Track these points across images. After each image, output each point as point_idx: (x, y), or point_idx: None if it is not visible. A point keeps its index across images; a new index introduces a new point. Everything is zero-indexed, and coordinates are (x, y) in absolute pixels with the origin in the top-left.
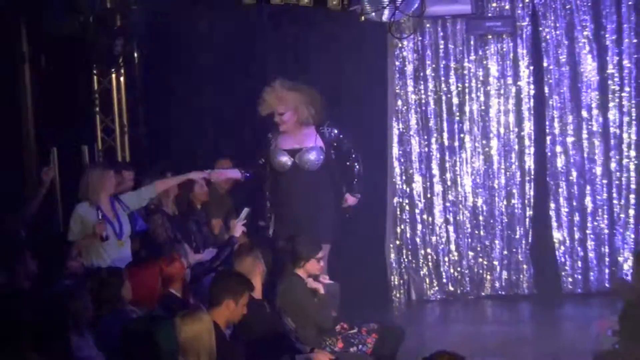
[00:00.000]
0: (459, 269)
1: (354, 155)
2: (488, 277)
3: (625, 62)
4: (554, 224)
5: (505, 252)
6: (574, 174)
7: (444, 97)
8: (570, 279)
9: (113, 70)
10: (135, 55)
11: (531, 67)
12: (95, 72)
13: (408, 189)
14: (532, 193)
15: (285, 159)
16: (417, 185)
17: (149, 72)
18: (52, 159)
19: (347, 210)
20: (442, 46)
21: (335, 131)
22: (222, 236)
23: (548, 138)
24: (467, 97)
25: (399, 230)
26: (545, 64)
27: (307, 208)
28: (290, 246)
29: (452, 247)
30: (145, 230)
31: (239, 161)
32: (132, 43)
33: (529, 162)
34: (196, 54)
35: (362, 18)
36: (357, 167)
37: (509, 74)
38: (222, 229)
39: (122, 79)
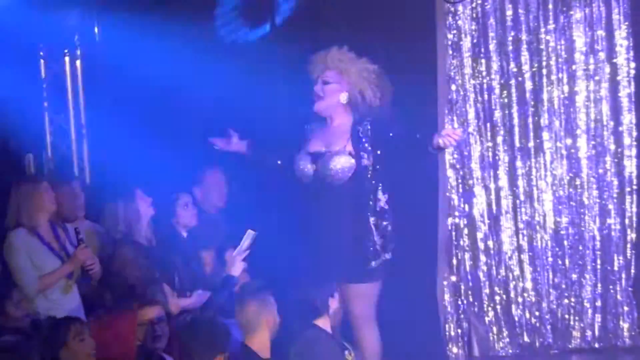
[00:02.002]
0: (537, 313)
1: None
2: (577, 324)
3: None
4: None
5: (599, 290)
6: None
7: (513, 81)
8: None
9: (66, 51)
10: (96, 30)
11: (631, 39)
12: (41, 53)
13: (467, 207)
14: (634, 209)
15: (306, 165)
16: (479, 201)
17: (115, 54)
18: None
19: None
20: (510, 12)
21: (372, 125)
22: (218, 274)
23: None
24: (544, 80)
25: (455, 262)
26: None
27: (333, 233)
28: (300, 294)
29: (528, 284)
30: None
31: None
32: (91, 13)
33: (630, 167)
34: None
35: None
36: (382, 197)
37: (600, 48)
38: (215, 265)
39: (78, 63)
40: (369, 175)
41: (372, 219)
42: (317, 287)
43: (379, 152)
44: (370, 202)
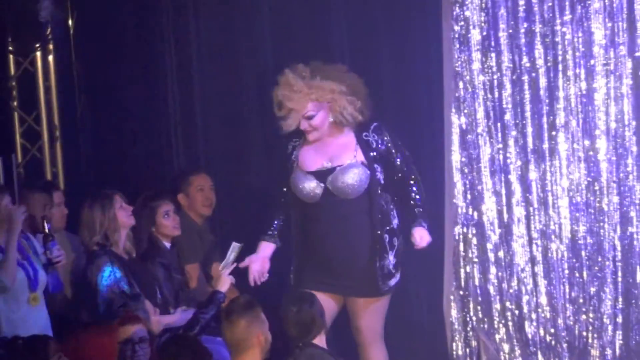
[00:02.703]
0: (552, 330)
1: (412, 170)
2: (595, 342)
3: None
4: None
5: (620, 305)
6: None
7: (526, 77)
8: None
9: (38, 45)
10: (70, 23)
11: None
12: (10, 48)
13: (476, 214)
14: None
15: (313, 186)
16: (489, 207)
17: (91, 49)
18: None
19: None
20: (522, 1)
21: (387, 137)
22: (204, 289)
23: None
24: (560, 76)
25: (462, 274)
26: None
27: (349, 251)
28: (294, 315)
29: (542, 298)
30: (61, 290)
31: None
32: (64, 6)
33: None
34: (162, 21)
35: None
36: (418, 183)
37: (621, 40)
38: (201, 279)
39: (50, 58)
40: (379, 190)
41: (386, 237)
42: (313, 305)
43: (394, 161)
44: (384, 219)
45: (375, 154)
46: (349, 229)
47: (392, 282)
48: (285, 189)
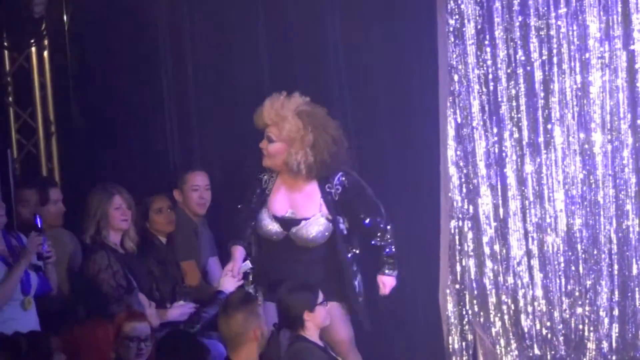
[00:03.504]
0: (548, 324)
1: (376, 219)
2: (592, 335)
3: None
4: None
5: (616, 298)
6: None
7: (521, 71)
8: None
9: (33, 41)
10: (65, 19)
11: None
12: (5, 44)
13: (471, 208)
14: None
15: (276, 231)
16: (485, 201)
17: (86, 45)
18: None
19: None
20: None
21: (349, 187)
22: (204, 289)
23: None
24: (555, 69)
25: (458, 268)
26: None
27: (318, 278)
28: (277, 305)
29: (538, 292)
30: (49, 292)
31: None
32: (59, 2)
33: None
34: (158, 16)
35: None
36: (386, 227)
37: (616, 34)
38: (198, 276)
39: (45, 54)
40: (342, 241)
41: (349, 269)
42: (293, 297)
43: (353, 212)
44: (345, 257)
45: (337, 206)
46: (306, 272)
47: (361, 298)
48: (252, 205)
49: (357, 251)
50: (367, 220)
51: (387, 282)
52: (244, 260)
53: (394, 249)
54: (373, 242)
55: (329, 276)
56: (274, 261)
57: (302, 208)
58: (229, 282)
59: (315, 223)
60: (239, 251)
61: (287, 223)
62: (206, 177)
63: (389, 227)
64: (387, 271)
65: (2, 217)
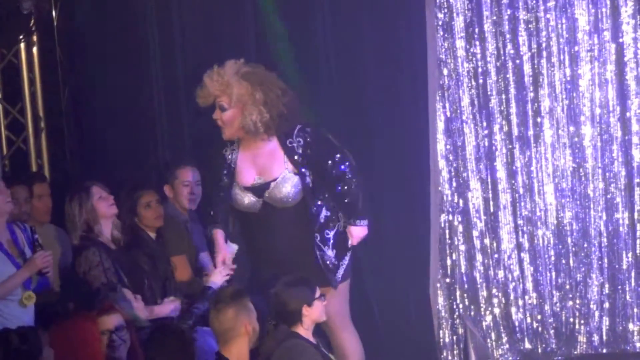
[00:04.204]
0: (539, 317)
1: (342, 167)
2: (582, 328)
3: None
4: None
5: (606, 291)
6: None
7: (510, 64)
8: None
9: (21, 37)
10: (54, 14)
11: (638, 17)
12: None
13: (461, 202)
14: None
15: (252, 201)
16: (475, 195)
17: (75, 41)
18: None
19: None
20: None
21: (310, 138)
22: (195, 284)
23: None
24: (544, 62)
25: (449, 262)
26: None
27: (293, 251)
28: (274, 300)
29: (529, 285)
30: (48, 288)
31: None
32: None
33: (639, 156)
34: (147, 11)
35: None
36: (351, 178)
37: (605, 26)
38: (188, 271)
39: (35, 50)
40: (310, 193)
41: (317, 236)
42: (290, 292)
43: (317, 164)
44: (314, 218)
45: (300, 158)
46: (288, 233)
47: (340, 273)
48: (221, 184)
49: (325, 200)
50: (335, 169)
51: (355, 232)
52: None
53: (359, 197)
54: (339, 189)
55: (306, 247)
56: (257, 233)
57: (269, 170)
58: (217, 276)
59: (284, 180)
60: (221, 236)
61: (259, 190)
62: (197, 172)
63: (354, 174)
64: (354, 221)
65: (8, 203)
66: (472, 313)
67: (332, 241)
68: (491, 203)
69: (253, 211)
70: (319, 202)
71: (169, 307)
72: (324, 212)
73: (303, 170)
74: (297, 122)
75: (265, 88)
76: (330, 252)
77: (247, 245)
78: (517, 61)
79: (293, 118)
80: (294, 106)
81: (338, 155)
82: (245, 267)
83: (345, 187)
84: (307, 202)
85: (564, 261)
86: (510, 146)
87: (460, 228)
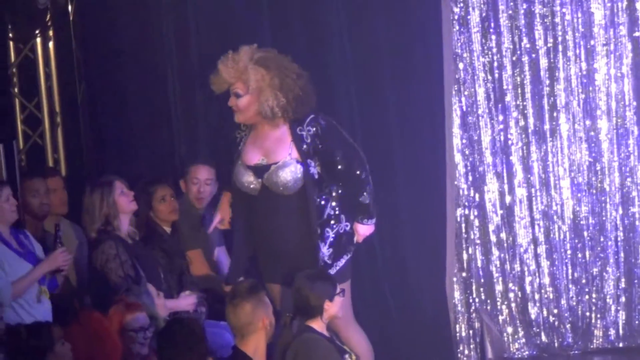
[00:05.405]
0: (555, 311)
1: (352, 165)
2: (599, 322)
3: None
4: None
5: (622, 285)
6: None
7: (526, 59)
8: None
9: (38, 32)
10: (70, 9)
11: None
12: (10, 35)
13: (477, 196)
14: None
15: (250, 180)
16: (491, 189)
17: (91, 35)
18: None
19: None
20: None
21: (321, 130)
22: (211, 278)
23: None
24: (560, 57)
25: (465, 256)
26: None
27: (289, 242)
28: (295, 293)
29: (545, 279)
30: (55, 289)
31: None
32: None
33: None
34: (162, 6)
35: None
36: (362, 172)
37: (621, 20)
38: (204, 265)
39: (51, 45)
40: (313, 185)
41: (318, 229)
42: (313, 286)
43: (325, 157)
44: (317, 211)
45: (308, 148)
46: (285, 223)
47: (331, 272)
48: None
49: (332, 197)
50: (342, 164)
51: (361, 230)
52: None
53: (369, 197)
54: (347, 188)
55: (303, 238)
56: (256, 219)
57: (273, 153)
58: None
59: (284, 165)
60: (227, 198)
61: (259, 170)
62: (209, 170)
63: (365, 172)
64: (362, 220)
65: (13, 212)
66: (489, 307)
67: (330, 240)
68: (507, 197)
69: (252, 194)
70: (324, 197)
71: (185, 301)
72: (328, 209)
73: (309, 160)
74: (313, 105)
75: (281, 72)
76: (325, 250)
77: (247, 231)
78: (533, 55)
79: (309, 101)
80: (309, 89)
81: (347, 151)
82: (244, 252)
83: (356, 185)
84: (309, 194)
85: (580, 255)
86: (526, 140)
87: (477, 222)
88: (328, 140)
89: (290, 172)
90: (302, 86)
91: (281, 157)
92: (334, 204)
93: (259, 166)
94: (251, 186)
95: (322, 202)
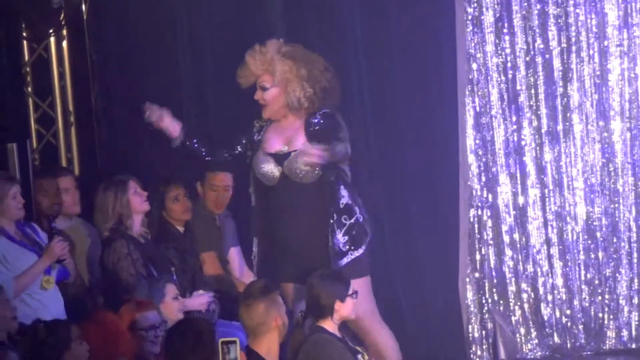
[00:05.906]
0: (568, 312)
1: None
2: (611, 323)
3: None
4: None
5: (635, 286)
6: None
7: (539, 59)
8: None
9: (51, 31)
10: (84, 8)
11: None
12: (24, 34)
13: (490, 196)
14: None
15: (271, 168)
16: (504, 189)
17: (105, 35)
18: None
19: None
20: None
21: (330, 123)
22: (224, 279)
23: None
24: (574, 57)
25: (478, 257)
26: None
27: (307, 237)
28: (307, 291)
29: (558, 280)
30: (67, 278)
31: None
32: None
33: None
34: (176, 4)
35: None
36: (344, 193)
37: (635, 21)
38: (218, 268)
39: (65, 44)
40: (329, 171)
41: (335, 216)
42: (324, 285)
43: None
44: (332, 200)
45: (317, 134)
46: (302, 217)
47: (344, 261)
48: (239, 150)
49: (347, 186)
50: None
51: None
52: None
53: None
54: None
55: (319, 225)
56: (273, 210)
57: (294, 141)
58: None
59: (303, 154)
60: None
61: (280, 158)
62: (227, 177)
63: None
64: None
65: (19, 210)
66: (501, 308)
67: (346, 228)
68: (520, 198)
69: (271, 184)
70: (340, 183)
71: (197, 300)
72: (345, 199)
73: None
74: (338, 101)
75: (308, 64)
76: (340, 237)
77: (262, 222)
78: (547, 56)
79: (335, 95)
80: (335, 84)
81: (340, 137)
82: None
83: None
84: (325, 179)
85: (593, 256)
86: (540, 141)
87: (490, 223)
88: (325, 129)
89: (307, 160)
90: (328, 79)
91: (300, 145)
92: (347, 193)
93: (280, 153)
94: (271, 173)
95: (337, 188)
